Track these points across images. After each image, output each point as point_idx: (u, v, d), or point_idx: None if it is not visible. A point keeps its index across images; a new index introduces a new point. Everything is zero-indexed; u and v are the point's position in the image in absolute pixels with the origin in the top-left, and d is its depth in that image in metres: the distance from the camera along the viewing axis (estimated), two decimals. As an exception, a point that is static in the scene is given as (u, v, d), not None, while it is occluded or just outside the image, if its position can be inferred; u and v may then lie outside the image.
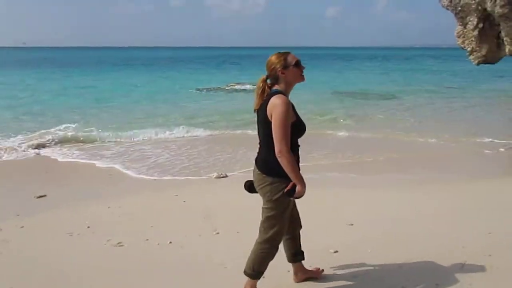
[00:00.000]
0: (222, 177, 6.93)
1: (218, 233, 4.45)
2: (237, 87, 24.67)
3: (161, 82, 28.05)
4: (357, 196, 5.65)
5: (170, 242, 4.18)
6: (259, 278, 3.03)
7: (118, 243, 4.18)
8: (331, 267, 3.51)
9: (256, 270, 2.96)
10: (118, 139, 10.04)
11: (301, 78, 2.80)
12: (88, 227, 4.65)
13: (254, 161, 2.91)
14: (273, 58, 2.77)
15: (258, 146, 2.91)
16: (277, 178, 2.73)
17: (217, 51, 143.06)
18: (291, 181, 2.70)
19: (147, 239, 4.27)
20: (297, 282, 3.31)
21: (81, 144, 9.65)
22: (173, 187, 6.38)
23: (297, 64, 2.76)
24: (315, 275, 3.36)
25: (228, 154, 8.57)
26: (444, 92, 21.72)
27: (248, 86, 23.68)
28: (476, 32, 11.12)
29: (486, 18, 10.72)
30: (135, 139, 10.12)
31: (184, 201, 5.60)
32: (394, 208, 5.17)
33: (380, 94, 20.71)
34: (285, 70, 2.74)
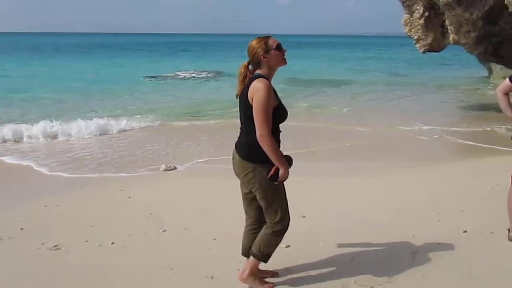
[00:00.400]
0: (171, 170, 6.65)
1: (164, 230, 4.20)
2: (186, 74, 24.23)
3: (106, 69, 26.90)
4: (307, 186, 5.55)
5: (112, 243, 3.89)
6: (266, 261, 2.97)
7: (54, 246, 3.84)
8: (283, 262, 3.37)
9: (262, 251, 2.91)
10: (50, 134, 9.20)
11: (283, 62, 2.78)
12: (22, 229, 4.26)
13: (234, 147, 2.86)
14: (254, 42, 2.73)
15: (239, 132, 2.86)
16: (259, 164, 2.70)
17: (168, 37, 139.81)
18: (273, 166, 2.66)
19: (86, 240, 3.95)
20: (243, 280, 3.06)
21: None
22: (117, 182, 6.05)
23: (279, 47, 2.73)
24: (267, 275, 3.19)
25: (175, 146, 8.27)
26: (391, 80, 22.31)
27: (194, 74, 23.46)
28: (422, 21, 11.38)
29: (431, 7, 10.97)
30: (70, 132, 9.30)
31: (129, 197, 5.29)
32: (345, 198, 5.13)
33: (329, 81, 20.97)
34: (267, 54, 2.71)
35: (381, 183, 5.76)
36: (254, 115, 2.60)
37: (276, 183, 2.70)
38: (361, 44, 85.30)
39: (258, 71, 2.74)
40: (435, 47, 11.85)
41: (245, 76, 2.77)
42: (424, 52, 11.98)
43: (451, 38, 10.97)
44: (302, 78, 21.91)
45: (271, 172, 2.66)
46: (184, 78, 22.94)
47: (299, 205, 4.68)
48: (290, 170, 2.72)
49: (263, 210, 2.86)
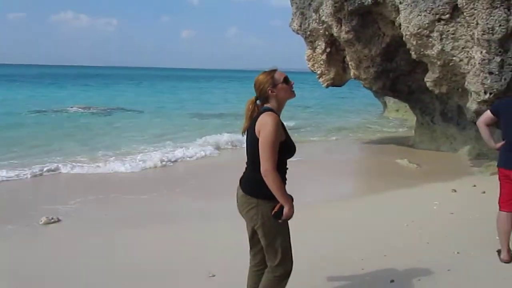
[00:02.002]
0: (53, 222, 5.58)
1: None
2: (75, 109, 22.29)
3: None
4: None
5: None
6: None
7: None
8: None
9: None
10: None
11: (292, 94, 2.73)
12: None
13: (238, 182, 2.80)
14: (261, 77, 2.70)
15: (245, 167, 2.79)
16: (262, 200, 2.61)
17: (64, 69, 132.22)
18: (278, 202, 2.56)
19: None
20: None
21: None
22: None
23: (286, 81, 2.69)
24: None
25: (59, 192, 7.15)
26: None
27: (80, 110, 21.75)
28: (324, 56, 11.56)
29: (333, 43, 11.21)
30: None
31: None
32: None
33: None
34: (275, 88, 2.66)
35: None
36: (260, 149, 2.52)
37: (280, 220, 2.59)
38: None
39: (266, 105, 2.68)
40: (337, 81, 12.12)
41: (253, 112, 2.72)
42: (327, 86, 12.17)
43: (352, 73, 11.26)
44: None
45: (275, 209, 2.57)
46: (73, 113, 20.97)
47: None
48: None
49: (264, 250, 2.74)
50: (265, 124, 2.53)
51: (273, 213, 2.57)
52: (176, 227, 5.37)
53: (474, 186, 7.07)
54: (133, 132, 14.52)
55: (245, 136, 2.75)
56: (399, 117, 18.41)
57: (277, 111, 2.66)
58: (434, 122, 11.44)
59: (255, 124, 2.60)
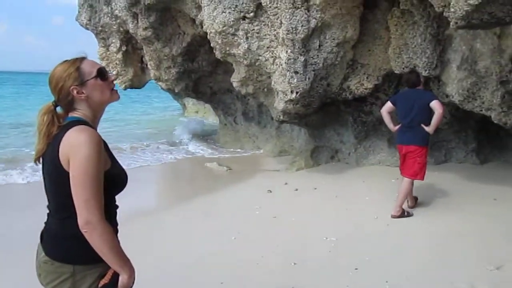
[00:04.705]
0: None
1: None
2: None
3: None
4: None
5: None
6: None
7: None
8: None
9: None
10: None
11: (113, 95, 1.79)
12: None
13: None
14: (59, 70, 1.70)
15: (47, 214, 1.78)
16: (82, 266, 1.64)
17: None
18: (107, 268, 1.66)
19: None
20: None
21: None
22: None
23: (101, 74, 1.74)
24: None
25: None
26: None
27: None
28: (120, 55, 10.43)
29: (129, 40, 10.21)
30: None
31: None
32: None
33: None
34: (83, 87, 1.70)
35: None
36: (73, 188, 1.59)
37: None
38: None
39: (72, 114, 1.73)
40: (136, 83, 11.14)
41: (50, 126, 1.69)
42: (125, 88, 11.06)
43: (152, 74, 10.48)
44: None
45: (105, 280, 1.65)
46: None
47: None
48: None
49: None
50: (77, 147, 1.60)
51: (101, 285, 1.67)
52: None
53: (286, 184, 7.18)
54: None
55: (40, 165, 1.76)
56: (200, 118, 18.44)
57: (92, 123, 1.75)
58: (237, 122, 11.58)
59: (58, 147, 1.64)
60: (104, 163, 1.66)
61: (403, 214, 5.28)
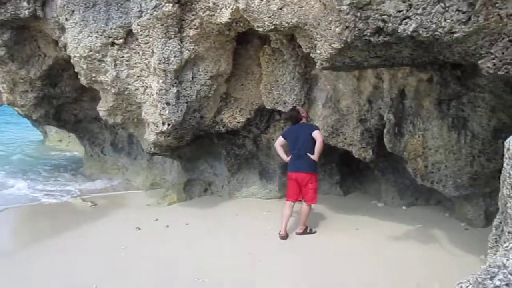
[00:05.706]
0: None
1: None
2: None
3: None
4: None
5: None
6: None
7: None
8: None
9: None
10: None
11: None
12: None
13: None
14: None
15: None
16: None
17: None
18: None
19: None
20: None
21: None
22: None
23: None
24: None
25: None
26: None
27: None
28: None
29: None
30: None
31: None
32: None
33: None
34: None
35: None
36: None
37: None
38: None
39: None
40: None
41: None
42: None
43: (5, 98, 9.29)
44: None
45: None
46: None
47: None
48: None
49: None
50: None
51: None
52: None
53: (157, 220, 6.77)
54: None
55: None
56: (63, 147, 16.84)
57: None
58: (105, 153, 10.79)
59: None
60: None
61: (306, 231, 5.94)
